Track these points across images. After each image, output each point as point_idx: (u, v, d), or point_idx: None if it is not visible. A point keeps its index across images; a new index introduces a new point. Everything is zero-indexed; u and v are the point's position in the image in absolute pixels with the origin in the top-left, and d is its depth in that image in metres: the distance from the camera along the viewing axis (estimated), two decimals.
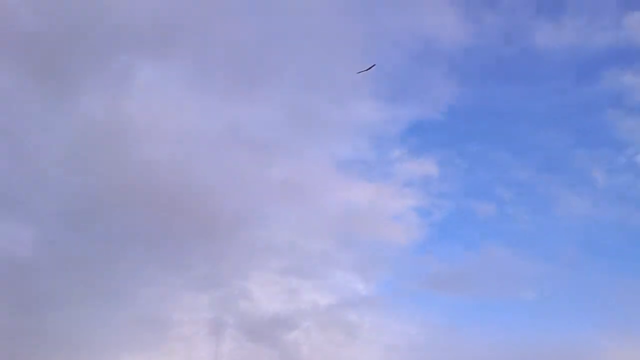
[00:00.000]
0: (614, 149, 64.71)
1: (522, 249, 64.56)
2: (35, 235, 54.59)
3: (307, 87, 67.47)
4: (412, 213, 64.96)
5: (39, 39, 56.19)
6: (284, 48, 66.62)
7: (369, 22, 68.42)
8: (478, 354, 55.20)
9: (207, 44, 64.92)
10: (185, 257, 60.08)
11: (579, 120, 67.76)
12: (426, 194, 66.39)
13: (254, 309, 59.25)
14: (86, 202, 56.80)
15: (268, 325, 58.33)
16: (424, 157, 67.52)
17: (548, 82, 69.01)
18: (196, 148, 63.49)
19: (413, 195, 65.78)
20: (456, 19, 68.59)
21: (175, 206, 58.92)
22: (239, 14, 66.03)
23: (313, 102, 66.98)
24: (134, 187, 57.90)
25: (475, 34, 68.85)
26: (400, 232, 63.97)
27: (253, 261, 61.48)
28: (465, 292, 62.98)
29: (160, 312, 56.85)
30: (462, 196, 67.80)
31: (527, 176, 66.44)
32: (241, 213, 61.69)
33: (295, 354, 57.08)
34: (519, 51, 69.65)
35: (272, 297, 60.74)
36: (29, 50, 56.07)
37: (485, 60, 69.64)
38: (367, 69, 48.28)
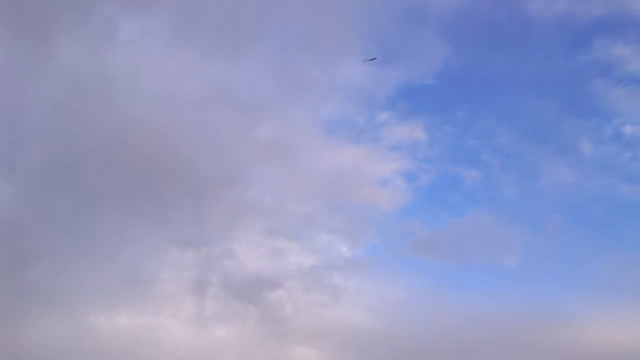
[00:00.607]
0: (601, 119, 64.61)
1: (507, 216, 64.97)
2: (19, 192, 54.14)
3: (295, 47, 66.28)
4: (398, 177, 64.89)
5: None
6: (273, 6, 65.21)
7: None
8: (460, 318, 56.03)
9: None
10: (170, 216, 60.00)
11: (567, 89, 67.42)
12: (413, 159, 66.18)
13: (238, 269, 59.61)
14: (70, 159, 56.21)
15: (252, 285, 58.80)
16: (412, 122, 67.07)
17: (539, 49, 68.38)
18: (181, 106, 62.65)
19: (400, 159, 65.57)
20: None
21: (160, 165, 58.50)
22: None
23: (301, 63, 65.91)
24: (119, 145, 57.26)
25: None
26: (386, 196, 64.00)
27: (238, 222, 61.50)
28: (449, 257, 63.54)
29: (145, 270, 57.03)
30: (449, 162, 67.68)
31: (514, 144, 66.31)
32: (226, 173, 61.38)
33: (279, 313, 57.72)
34: (511, 17, 68.81)
35: (256, 257, 61.08)
36: (11, 5, 54.65)
37: (477, 25, 68.71)
38: (370, 59, 48.13)
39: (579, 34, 66.57)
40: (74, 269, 54.50)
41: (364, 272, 62.00)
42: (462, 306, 58.35)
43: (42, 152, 55.21)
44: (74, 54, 56.83)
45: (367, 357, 55.21)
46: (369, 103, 67.20)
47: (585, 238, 62.25)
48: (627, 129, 61.95)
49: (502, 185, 65.41)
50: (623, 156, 62.34)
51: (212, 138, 62.32)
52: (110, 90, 57.42)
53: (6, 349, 48.02)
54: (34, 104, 55.72)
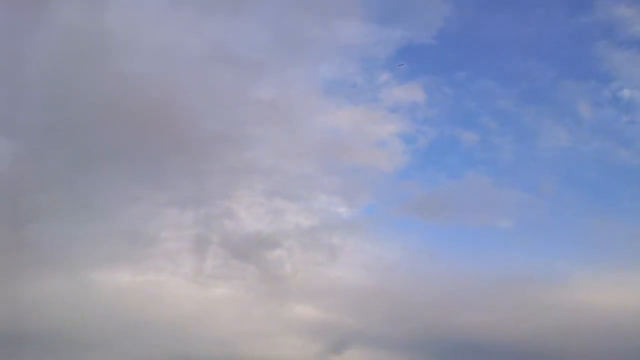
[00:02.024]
0: (600, 82, 64.39)
1: (503, 178, 65.48)
2: (16, 149, 53.79)
3: (294, 5, 65.08)
4: (396, 139, 64.95)
5: None
6: None
7: None
8: (455, 278, 57.31)
9: None
10: (169, 175, 60.04)
11: (567, 51, 66.95)
12: (412, 121, 66.12)
13: (237, 228, 60.14)
14: (68, 116, 55.68)
15: (251, 244, 59.44)
16: (411, 83, 66.64)
17: (540, 9, 67.32)
18: (180, 63, 61.85)
19: (398, 121, 65.48)
20: None
21: (159, 123, 58.14)
22: None
23: (300, 21, 64.86)
24: (118, 102, 56.64)
25: None
26: (384, 158, 64.20)
27: (237, 182, 61.69)
28: (446, 219, 64.33)
29: (145, 228, 57.39)
30: (447, 124, 67.64)
31: (513, 106, 66.26)
32: (225, 133, 61.10)
33: (277, 272, 58.60)
34: None
35: (256, 217, 61.56)
36: None
37: None
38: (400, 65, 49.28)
39: None
40: (74, 226, 54.78)
41: (361, 232, 62.73)
42: (456, 266, 59.55)
43: (39, 109, 54.70)
44: (71, 9, 55.60)
45: (363, 314, 56.63)
46: (368, 63, 66.58)
47: (580, 201, 63.25)
48: (626, 93, 62.06)
49: (500, 147, 65.70)
50: (620, 120, 62.70)
51: (211, 96, 61.90)
52: (108, 47, 56.51)
53: (6, 306, 48.62)
54: (30, 61, 54.76)
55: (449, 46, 68.81)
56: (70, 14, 55.63)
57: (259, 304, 56.21)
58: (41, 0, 54.13)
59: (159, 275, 55.25)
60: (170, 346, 51.38)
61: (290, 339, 55.28)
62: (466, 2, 68.28)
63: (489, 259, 60.42)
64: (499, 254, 60.95)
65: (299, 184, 62.99)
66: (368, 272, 60.08)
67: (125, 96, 56.67)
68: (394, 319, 55.37)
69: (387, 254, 62.12)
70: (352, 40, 66.33)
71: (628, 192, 62.44)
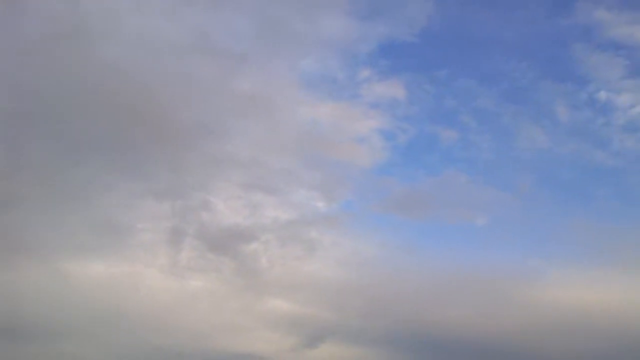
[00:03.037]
0: (578, 84, 65.15)
1: (481, 177, 66.06)
2: None
3: None
4: (376, 135, 65.05)
5: None
6: None
7: None
8: (431, 275, 57.79)
9: None
10: (145, 165, 59.36)
11: (547, 52, 67.62)
12: (392, 117, 66.26)
13: (215, 220, 59.77)
14: (44, 103, 54.70)
15: (228, 237, 59.15)
16: (392, 80, 66.69)
17: (521, 10, 67.77)
18: (159, 52, 60.97)
19: (379, 117, 65.56)
20: None
21: (136, 112, 57.39)
22: None
23: (283, 14, 64.36)
24: (95, 91, 55.77)
25: None
26: (364, 153, 64.29)
27: (215, 174, 61.22)
28: (424, 216, 64.71)
29: (120, 219, 56.73)
30: (427, 121, 67.96)
31: (492, 105, 66.75)
32: (204, 124, 60.58)
33: (254, 265, 58.43)
34: None
35: (233, 210, 61.23)
36: None
37: None
38: None
39: None
40: (48, 215, 53.99)
41: (339, 228, 62.85)
42: (433, 263, 59.98)
43: (15, 97, 53.46)
44: None
45: (340, 309, 56.77)
46: (350, 59, 66.51)
47: (556, 201, 64.06)
48: (602, 95, 62.85)
49: (478, 146, 66.25)
50: (596, 122, 63.52)
51: (191, 87, 61.18)
52: (85, 34, 55.53)
53: None
54: (6, 48, 53.59)
55: (431, 44, 69.07)
56: (47, 0, 54.72)
57: (235, 297, 56.07)
58: None
59: (134, 266, 54.78)
60: (145, 338, 51.02)
61: (266, 333, 55.28)
62: (449, 1, 68.55)
63: (465, 255, 60.98)
64: (475, 250, 61.63)
65: (278, 178, 62.81)
66: (345, 267, 60.25)
67: (102, 85, 55.81)
68: (370, 313, 55.61)
69: (364, 249, 62.36)
70: (334, 35, 66.14)
71: (602, 192, 63.44)
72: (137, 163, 58.81)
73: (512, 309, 54.00)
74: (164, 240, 56.95)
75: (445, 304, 55.62)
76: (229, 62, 64.35)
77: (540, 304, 53.58)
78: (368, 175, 65.10)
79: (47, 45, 54.19)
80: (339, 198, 64.49)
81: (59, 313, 48.86)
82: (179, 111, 59.62)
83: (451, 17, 68.84)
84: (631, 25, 61.44)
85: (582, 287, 54.14)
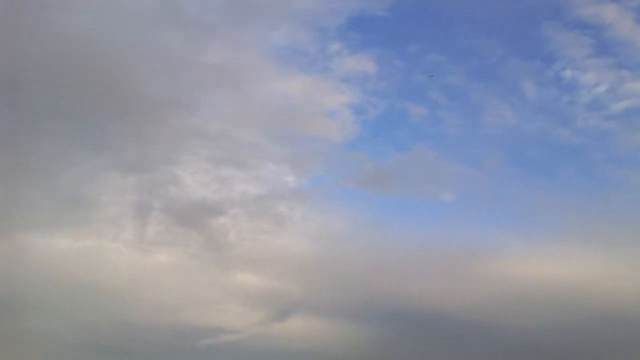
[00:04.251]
0: (544, 62, 65.96)
1: (449, 153, 66.71)
2: None
3: None
4: (346, 110, 64.95)
5: None
6: None
7: None
8: (399, 249, 58.33)
9: None
10: (111, 138, 58.32)
11: (516, 30, 68.09)
12: (362, 92, 66.20)
13: (182, 194, 59.25)
14: (6, 75, 52.97)
15: (196, 211, 58.79)
16: (363, 54, 66.47)
17: None
18: (126, 22, 59.64)
19: (349, 91, 65.39)
20: None
21: (102, 84, 56.05)
22: None
23: None
24: (59, 61, 54.33)
25: None
26: (334, 128, 64.17)
27: (183, 147, 60.50)
28: (392, 191, 65.16)
29: (85, 192, 55.84)
30: (397, 97, 68.12)
31: (461, 81, 67.19)
32: (171, 96, 59.65)
33: (222, 240, 58.25)
34: None
35: (201, 184, 60.69)
36: None
37: None
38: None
39: None
40: (11, 188, 52.63)
41: (309, 202, 62.93)
42: (401, 237, 60.56)
43: None
44: None
45: (308, 283, 57.04)
46: (320, 32, 65.93)
47: (521, 178, 65.10)
48: (568, 73, 63.78)
49: (447, 122, 66.75)
50: (562, 100, 64.50)
51: (157, 58, 60.06)
52: (49, 2, 53.90)
53: None
54: None
55: (401, 19, 68.89)
56: None
57: (203, 272, 55.91)
58: None
59: (99, 240, 54.14)
60: (110, 312, 50.66)
61: (234, 307, 55.37)
62: None
63: (432, 230, 61.75)
64: (442, 225, 62.45)
65: (247, 152, 62.39)
66: (314, 242, 60.46)
67: (66, 55, 54.34)
68: (338, 287, 56.02)
69: (333, 224, 62.63)
70: (305, 8, 65.41)
71: (566, 169, 64.76)
72: (102, 135, 57.71)
73: (476, 282, 55.02)
74: (130, 214, 56.36)
75: (412, 277, 56.39)
76: (197, 32, 63.21)
77: (504, 278, 54.77)
78: (338, 150, 65.12)
79: (8, 13, 52.52)
80: (308, 173, 64.45)
81: (22, 288, 47.92)
82: (146, 83, 58.49)
83: None
84: (598, 5, 62.28)
85: (544, 262, 55.39)
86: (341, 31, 66.22)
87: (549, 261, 55.28)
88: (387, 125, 68.62)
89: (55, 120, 54.95)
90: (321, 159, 66.59)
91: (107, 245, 53.90)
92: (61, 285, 49.84)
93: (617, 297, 51.16)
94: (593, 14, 62.83)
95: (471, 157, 66.95)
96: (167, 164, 58.64)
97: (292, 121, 64.52)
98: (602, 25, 62.45)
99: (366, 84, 66.86)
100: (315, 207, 63.41)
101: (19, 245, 50.80)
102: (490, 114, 66.70)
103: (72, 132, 56.27)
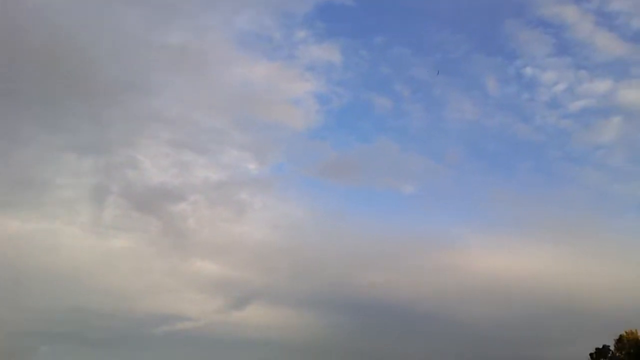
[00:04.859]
0: (507, 58, 67.40)
1: (411, 145, 67.49)
2: None
3: None
4: (311, 98, 64.75)
5: None
6: None
7: None
8: (360, 239, 58.64)
9: None
10: (67, 119, 56.37)
11: (480, 26, 69.43)
12: (327, 81, 66.22)
13: (141, 179, 57.83)
14: None
15: (155, 196, 57.49)
16: (329, 43, 66.37)
17: None
18: (83, 0, 57.95)
19: (314, 80, 65.25)
20: None
21: (58, 63, 54.06)
22: None
23: None
24: (12, 39, 52.05)
25: None
26: (298, 116, 63.90)
27: (142, 130, 59.11)
28: (354, 182, 65.47)
29: (38, 174, 53.84)
30: (362, 88, 68.58)
31: (425, 75, 67.88)
32: (130, 78, 58.12)
33: (181, 226, 57.23)
34: None
35: (161, 168, 59.43)
36: None
37: None
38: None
39: None
40: None
41: (270, 190, 62.59)
42: (362, 228, 60.97)
43: None
44: None
45: (268, 271, 56.71)
46: (286, 18, 65.42)
47: (481, 172, 66.45)
48: (528, 71, 65.23)
49: (410, 115, 67.53)
50: (522, 97, 65.92)
51: (116, 38, 58.36)
52: None
53: None
54: None
55: (368, 10, 69.25)
56: None
57: (161, 258, 54.75)
58: None
59: (52, 223, 52.23)
60: (64, 297, 48.93)
61: (192, 294, 54.46)
62: None
63: (393, 222, 62.40)
64: (403, 217, 63.23)
65: (209, 137, 61.46)
66: (274, 230, 60.13)
67: (21, 33, 52.14)
68: (298, 276, 55.87)
69: (294, 213, 62.42)
70: None
71: (524, 164, 66.38)
72: (58, 116, 55.67)
73: (435, 274, 55.70)
74: (86, 198, 54.59)
75: (372, 268, 56.64)
76: (157, 12, 61.87)
77: (461, 271, 55.54)
78: (301, 138, 64.88)
79: None
80: (270, 160, 64.02)
81: None
82: (104, 63, 56.68)
83: None
84: (560, 5, 63.78)
85: (500, 255, 56.58)
86: (308, 19, 65.95)
87: (505, 255, 56.59)
88: (351, 116, 69.02)
89: (8, 99, 52.69)
90: (284, 147, 66.25)
91: (61, 228, 52.17)
92: (11, 268, 47.81)
93: (567, 291, 52.66)
94: (555, 14, 64.48)
95: (433, 150, 67.99)
96: (126, 147, 57.20)
97: (255, 107, 63.91)
98: (563, 26, 64.15)
99: (331, 73, 66.85)
100: (277, 195, 63.13)
101: None
102: (453, 108, 67.77)
103: (26, 111, 54.12)
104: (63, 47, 53.78)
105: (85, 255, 52.26)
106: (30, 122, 54.40)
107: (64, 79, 54.82)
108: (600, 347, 32.75)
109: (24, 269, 48.41)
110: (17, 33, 51.06)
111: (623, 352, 31.58)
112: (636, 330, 31.49)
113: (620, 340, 31.72)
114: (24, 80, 53.25)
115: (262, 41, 64.93)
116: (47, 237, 51.29)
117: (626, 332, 31.67)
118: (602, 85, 62.53)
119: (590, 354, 33.13)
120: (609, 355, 32.37)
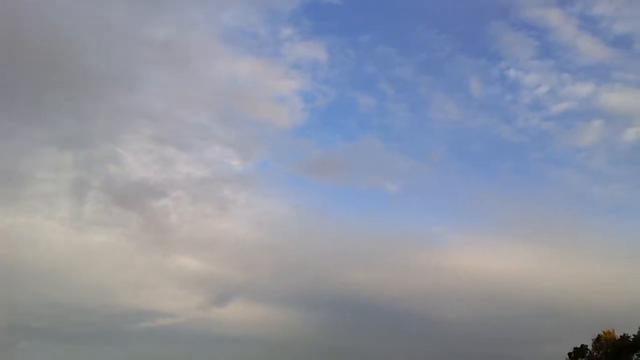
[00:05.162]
0: (490, 60, 67.84)
1: (395, 144, 67.77)
2: None
3: None
4: (296, 96, 64.62)
5: None
6: None
7: None
8: (342, 237, 58.75)
9: None
10: (47, 111, 55.74)
11: (464, 27, 69.87)
12: (312, 79, 66.17)
13: (122, 174, 57.28)
14: None
15: (136, 192, 56.97)
16: (315, 41, 66.29)
17: None
18: None
19: (299, 78, 65.13)
20: None
21: (40, 55, 53.29)
22: None
23: None
24: None
25: None
26: (283, 114, 63.76)
27: (124, 125, 58.53)
28: (338, 180, 65.58)
29: (18, 167, 53.05)
30: (347, 86, 68.71)
31: (410, 75, 68.19)
32: (113, 71, 57.50)
33: (163, 222, 56.82)
34: None
35: (143, 164, 58.90)
36: None
37: None
38: None
39: None
40: None
41: (254, 187, 62.47)
42: (345, 226, 61.08)
43: None
44: None
45: (250, 268, 56.64)
46: (272, 15, 65.26)
47: (463, 172, 66.87)
48: (512, 73, 65.70)
49: (394, 114, 67.73)
50: (505, 98, 66.38)
51: (98, 30, 57.52)
52: None
53: None
54: None
55: (355, 8, 69.37)
56: None
57: (142, 254, 54.35)
58: None
59: (32, 217, 51.59)
60: (42, 292, 48.41)
61: (173, 290, 54.18)
62: None
63: (376, 220, 62.62)
64: (385, 216, 63.50)
65: (192, 133, 61.09)
66: (257, 227, 60.01)
67: (3, 26, 51.34)
68: (280, 273, 55.86)
69: (277, 210, 62.34)
70: None
71: (506, 165, 66.96)
72: (38, 109, 54.91)
73: (416, 273, 56.06)
74: (66, 192, 53.94)
75: (354, 266, 56.83)
76: (142, 6, 61.26)
77: (442, 270, 55.98)
78: (285, 136, 64.78)
79: None
80: (254, 157, 63.85)
81: None
82: (87, 56, 55.94)
83: None
84: (544, 8, 64.30)
85: (480, 255, 57.06)
86: (294, 16, 65.76)
87: (485, 254, 57.08)
88: (335, 114, 69.09)
89: None
90: (268, 144, 66.12)
91: (40, 222, 51.53)
92: None
93: (547, 291, 53.23)
94: (539, 17, 64.94)
95: (416, 149, 68.23)
96: (107, 141, 56.67)
97: (239, 104, 63.65)
98: (546, 29, 64.69)
99: (317, 71, 66.83)
100: (260, 192, 62.94)
101: None
102: (436, 108, 68.07)
103: (5, 103, 53.31)
104: (46, 39, 53.09)
105: (65, 250, 51.78)
106: (9, 114, 53.59)
107: (45, 72, 54.18)
108: (579, 346, 33.21)
109: (2, 263, 47.82)
110: None
111: (600, 352, 31.98)
112: (613, 330, 31.97)
113: (598, 340, 32.06)
114: (4, 72, 52.47)
115: (248, 37, 64.69)
116: (27, 231, 50.73)
117: (604, 332, 32.00)
118: (584, 89, 63.24)
119: (569, 354, 33.44)
120: (587, 354, 32.76)
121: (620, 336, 31.55)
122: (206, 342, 51.45)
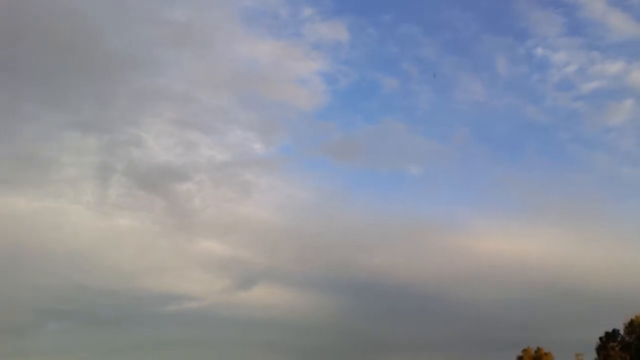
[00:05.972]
0: (517, 38, 66.53)
1: (418, 126, 67.00)
2: None
3: None
4: (317, 78, 64.13)
5: None
6: None
7: None
8: (365, 221, 58.36)
9: None
10: (71, 96, 55.90)
11: (490, 4, 68.59)
12: (334, 60, 65.52)
13: (145, 157, 57.50)
14: None
15: (160, 175, 57.20)
16: (336, 20, 65.54)
17: None
18: None
19: (320, 59, 64.55)
20: None
21: (61, 39, 53.30)
22: None
23: None
24: (15, 17, 51.25)
25: None
26: (304, 96, 63.32)
27: (146, 108, 58.67)
28: (359, 163, 65.18)
29: (43, 152, 53.53)
30: (369, 67, 67.86)
31: (434, 55, 67.11)
32: (133, 54, 57.43)
33: (186, 205, 57.00)
34: None
35: (165, 147, 59.10)
36: None
37: None
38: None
39: None
40: None
41: (276, 170, 62.37)
42: (367, 209, 60.77)
43: None
44: None
45: (273, 252, 56.68)
46: None
47: (488, 154, 65.89)
48: (539, 51, 64.40)
49: (418, 96, 66.85)
50: (532, 78, 65.18)
51: (120, 15, 57.54)
52: None
53: None
54: None
55: None
56: None
57: (165, 237, 54.71)
58: None
59: (57, 201, 52.01)
60: (68, 276, 48.95)
61: (197, 274, 54.46)
62: None
63: (398, 203, 62.15)
64: (408, 199, 63.02)
65: (214, 116, 60.99)
66: (280, 211, 59.92)
67: (24, 10, 51.31)
68: (303, 257, 55.80)
69: (300, 194, 62.17)
70: None
71: (532, 146, 65.86)
72: (62, 93, 55.08)
73: (438, 256, 55.61)
74: (91, 176, 54.33)
75: (376, 249, 56.56)
76: None
77: (465, 252, 55.45)
78: (307, 118, 64.37)
79: None
80: (276, 141, 63.63)
81: None
82: (108, 39, 55.93)
83: None
84: None
85: (504, 238, 56.41)
86: None
87: (509, 237, 56.42)
88: (357, 96, 68.32)
89: (8, 75, 52.16)
90: (289, 127, 65.80)
91: (66, 207, 51.92)
92: (16, 246, 47.77)
93: (574, 274, 52.47)
94: None
95: (440, 131, 67.41)
96: (130, 125, 56.81)
97: (260, 86, 63.28)
98: (575, 5, 63.32)
99: (338, 52, 66.04)
100: (282, 176, 62.78)
101: None
102: (461, 88, 67.07)
103: (29, 89, 53.60)
104: (66, 23, 53.05)
105: (90, 233, 52.24)
106: (34, 99, 53.90)
107: (68, 56, 54.24)
108: (610, 331, 32.60)
109: (30, 246, 48.42)
110: (16, 10, 50.21)
111: (633, 336, 31.43)
112: None
113: (631, 324, 31.52)
114: (25, 56, 52.64)
115: (268, 18, 64.20)
116: (52, 215, 51.22)
117: (637, 316, 31.49)
118: (614, 67, 61.92)
119: (600, 338, 32.93)
120: (619, 339, 32.18)
121: None
122: (231, 324, 51.89)
